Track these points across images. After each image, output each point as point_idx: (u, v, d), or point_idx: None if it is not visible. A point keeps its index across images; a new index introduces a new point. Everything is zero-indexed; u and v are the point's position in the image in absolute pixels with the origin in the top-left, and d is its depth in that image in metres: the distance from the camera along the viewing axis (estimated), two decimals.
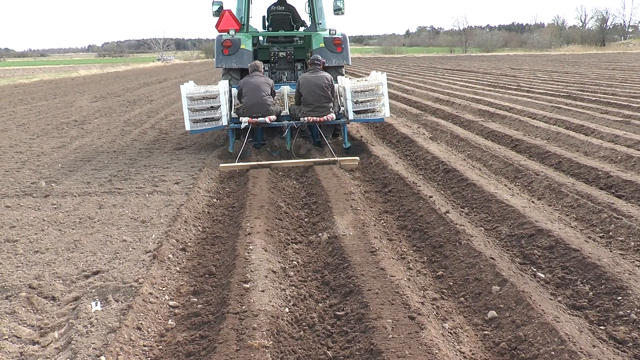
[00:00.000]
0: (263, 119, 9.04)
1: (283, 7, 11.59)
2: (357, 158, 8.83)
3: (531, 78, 26.19)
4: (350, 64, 11.12)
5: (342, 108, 9.59)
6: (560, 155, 8.26)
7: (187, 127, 9.09)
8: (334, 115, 9.21)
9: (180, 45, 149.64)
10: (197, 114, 9.09)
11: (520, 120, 11.62)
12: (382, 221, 6.05)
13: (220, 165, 8.57)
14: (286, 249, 5.27)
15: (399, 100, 17.77)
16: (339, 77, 10.06)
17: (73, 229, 5.85)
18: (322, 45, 10.33)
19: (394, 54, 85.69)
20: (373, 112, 9.29)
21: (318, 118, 9.08)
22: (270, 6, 11.66)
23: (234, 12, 10.84)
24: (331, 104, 9.25)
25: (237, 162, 8.58)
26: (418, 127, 11.68)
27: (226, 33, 10.29)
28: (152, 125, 13.41)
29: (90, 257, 5.04)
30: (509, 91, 19.25)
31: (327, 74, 9.41)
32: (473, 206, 6.26)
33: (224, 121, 9.14)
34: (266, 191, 6.85)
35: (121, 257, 5.02)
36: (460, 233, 5.18)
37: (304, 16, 11.92)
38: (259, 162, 8.55)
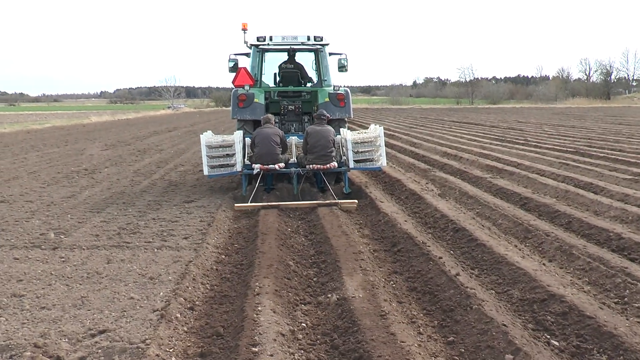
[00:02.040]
0: (273, 166, 10.17)
1: (292, 65, 12.55)
2: (356, 201, 9.76)
3: (538, 132, 26.35)
4: (352, 117, 12.04)
5: (343, 157, 10.65)
6: (570, 214, 8.22)
7: (205, 172, 10.27)
8: (335, 164, 10.34)
9: (190, 93, 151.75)
10: (215, 160, 10.24)
11: (528, 177, 11.62)
12: (392, 282, 6.00)
13: (235, 205, 9.52)
14: (295, 310, 5.21)
15: (406, 154, 17.86)
16: (341, 129, 11.11)
17: (80, 284, 5.82)
18: (327, 99, 11.45)
19: (401, 105, 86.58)
20: (371, 161, 10.45)
21: (322, 166, 10.20)
22: (281, 64, 12.68)
23: (249, 68, 11.81)
24: (334, 153, 10.35)
25: (250, 202, 9.61)
26: (427, 183, 11.69)
27: (241, 88, 11.41)
28: (161, 176, 13.50)
29: (97, 314, 5.00)
30: (517, 145, 19.33)
31: (331, 127, 10.58)
32: (483, 268, 6.21)
33: (238, 167, 10.26)
34: (275, 249, 6.82)
35: (128, 315, 4.97)
36: (471, 297, 5.11)
37: (311, 73, 12.92)
38: (269, 203, 9.58)
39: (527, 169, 13.07)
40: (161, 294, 5.48)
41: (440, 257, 6.33)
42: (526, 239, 7.31)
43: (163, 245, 7.22)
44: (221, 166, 10.26)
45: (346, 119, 11.70)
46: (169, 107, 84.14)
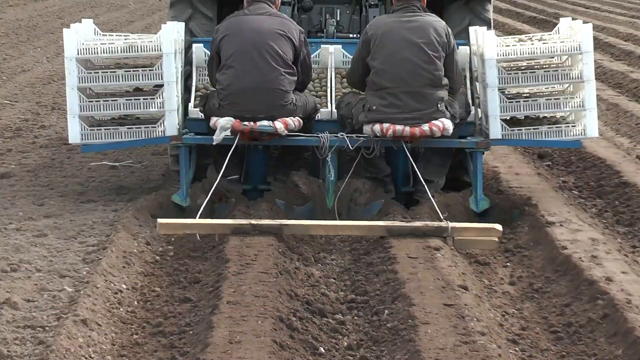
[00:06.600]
0: (267, 123, 4.67)
1: None
2: (497, 227, 4.20)
3: None
4: None
5: (473, 109, 5.00)
6: None
7: (75, 139, 4.96)
8: (450, 124, 4.64)
9: None
10: (102, 104, 4.96)
11: None
12: None
13: (159, 221, 4.39)
14: None
15: None
16: (474, 29, 5.03)
17: None
18: None
19: None
20: (556, 123, 4.82)
21: (410, 128, 4.59)
22: None
23: None
24: (445, 95, 4.72)
25: (198, 217, 4.37)
26: None
27: None
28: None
29: None
30: None
31: (438, 19, 4.83)
32: None
33: (169, 126, 4.84)
34: None
35: None
36: None
37: None
38: (250, 222, 4.29)
39: None
40: None
41: None
42: None
43: None
44: (120, 122, 5.08)
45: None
46: None
